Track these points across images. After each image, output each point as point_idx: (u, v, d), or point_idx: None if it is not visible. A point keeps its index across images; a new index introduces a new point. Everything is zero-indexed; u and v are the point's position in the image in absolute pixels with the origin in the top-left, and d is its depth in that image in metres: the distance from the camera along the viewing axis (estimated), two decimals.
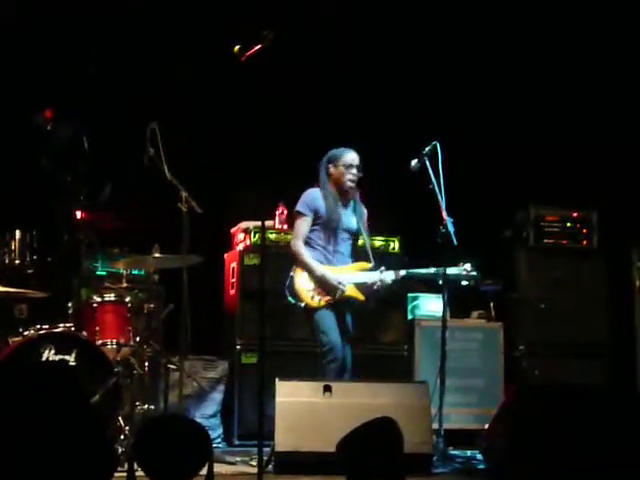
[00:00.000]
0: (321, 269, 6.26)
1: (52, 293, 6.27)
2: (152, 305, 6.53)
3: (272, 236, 7.38)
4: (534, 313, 7.66)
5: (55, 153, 6.70)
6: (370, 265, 6.34)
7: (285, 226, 7.37)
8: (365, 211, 6.58)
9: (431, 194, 6.30)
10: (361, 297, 6.32)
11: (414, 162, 6.41)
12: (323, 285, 6.24)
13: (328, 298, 6.25)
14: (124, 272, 6.65)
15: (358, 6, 8.12)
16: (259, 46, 5.12)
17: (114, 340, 6.17)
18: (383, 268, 6.31)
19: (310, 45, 7.99)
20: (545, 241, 7.91)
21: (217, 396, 7.26)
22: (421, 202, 6.49)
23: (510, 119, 8.43)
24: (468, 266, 6.37)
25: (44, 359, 5.69)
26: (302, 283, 6.28)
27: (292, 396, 5.84)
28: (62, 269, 6.55)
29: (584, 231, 7.94)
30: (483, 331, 7.63)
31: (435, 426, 6.11)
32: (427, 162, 6.34)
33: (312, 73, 8.16)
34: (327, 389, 5.88)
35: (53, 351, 5.75)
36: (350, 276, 6.32)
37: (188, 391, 7.01)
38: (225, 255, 7.74)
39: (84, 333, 6.04)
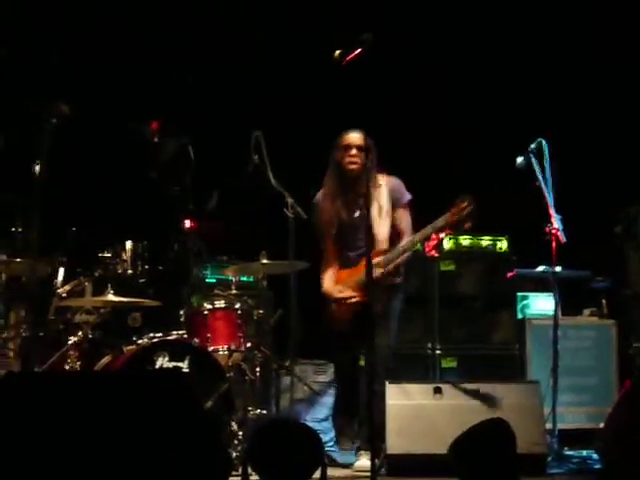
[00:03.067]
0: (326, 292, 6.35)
1: (164, 302, 6.37)
2: (261, 311, 6.59)
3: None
4: None
5: (162, 164, 6.82)
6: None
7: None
8: (386, 187, 6.02)
9: (538, 191, 6.23)
10: (364, 299, 6.03)
11: (520, 159, 6.35)
12: None
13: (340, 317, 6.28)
14: (233, 279, 6.74)
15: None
16: (359, 50, 5.11)
17: (225, 346, 6.25)
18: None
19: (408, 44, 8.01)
20: None
21: (328, 400, 7.28)
22: (528, 200, 6.42)
23: (616, 112, 8.28)
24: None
25: (158, 366, 5.79)
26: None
27: (402, 399, 5.84)
28: (173, 278, 6.66)
29: None
30: (596, 329, 7.50)
31: (549, 426, 6.04)
32: (533, 159, 6.27)
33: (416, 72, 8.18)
34: (437, 391, 5.87)
35: (167, 358, 5.85)
36: (353, 280, 6.17)
37: (299, 395, 7.04)
38: None
39: (196, 340, 6.13)
